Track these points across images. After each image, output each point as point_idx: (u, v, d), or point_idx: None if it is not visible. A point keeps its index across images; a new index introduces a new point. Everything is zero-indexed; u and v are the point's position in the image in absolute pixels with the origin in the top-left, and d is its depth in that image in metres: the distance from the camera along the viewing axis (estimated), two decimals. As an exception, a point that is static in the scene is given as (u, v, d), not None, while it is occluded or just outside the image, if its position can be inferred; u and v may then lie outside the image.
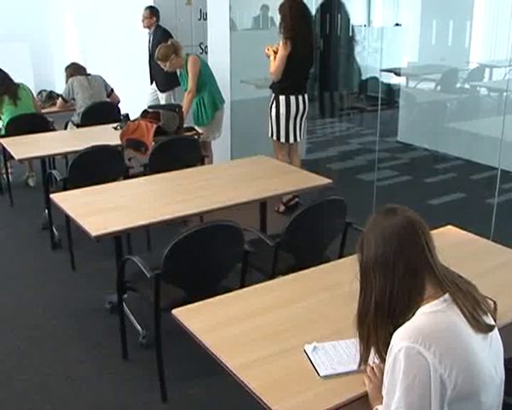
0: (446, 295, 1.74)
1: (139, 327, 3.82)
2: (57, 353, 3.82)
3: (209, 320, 2.33)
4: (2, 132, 6.10)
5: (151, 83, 7.78)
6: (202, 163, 5.05)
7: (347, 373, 2.00)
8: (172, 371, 3.37)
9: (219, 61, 6.63)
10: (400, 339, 1.68)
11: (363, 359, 1.92)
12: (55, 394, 3.43)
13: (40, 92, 7.21)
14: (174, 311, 2.35)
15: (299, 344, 2.15)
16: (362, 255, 1.83)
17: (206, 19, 7.55)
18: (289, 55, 5.35)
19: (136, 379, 3.51)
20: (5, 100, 6.20)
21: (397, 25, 8.59)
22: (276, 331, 2.26)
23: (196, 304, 2.43)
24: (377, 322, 1.81)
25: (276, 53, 5.47)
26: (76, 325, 4.12)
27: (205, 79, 6.02)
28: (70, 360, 3.73)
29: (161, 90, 7.51)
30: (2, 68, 6.38)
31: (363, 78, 9.41)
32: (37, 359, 3.76)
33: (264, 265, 3.37)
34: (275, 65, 5.40)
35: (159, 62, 6.06)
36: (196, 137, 5.51)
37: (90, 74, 6.70)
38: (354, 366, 2.00)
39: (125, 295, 3.71)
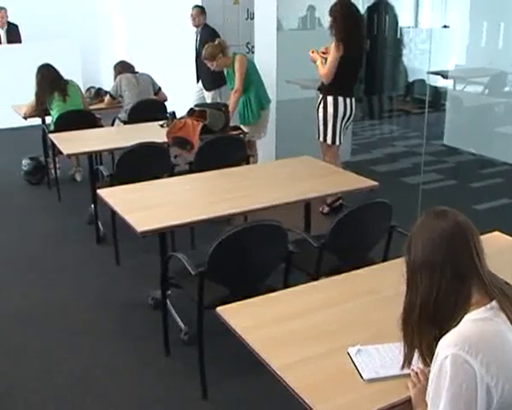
0: (493, 303, 1.71)
1: (181, 323, 3.85)
2: (99, 346, 3.87)
3: (253, 319, 2.34)
4: (52, 128, 6.21)
5: (197, 81, 7.82)
6: (247, 162, 5.05)
7: (391, 377, 1.99)
8: (213, 368, 3.37)
9: (266, 61, 6.64)
10: (447, 346, 1.66)
11: (407, 360, 1.90)
12: (96, 386, 3.48)
13: (89, 89, 7.30)
14: (218, 309, 2.36)
15: (342, 346, 2.13)
16: (409, 256, 1.80)
17: (253, 18, 7.56)
18: (341, 57, 5.32)
19: (177, 375, 3.54)
20: (55, 96, 6.30)
21: (445, 27, 8.50)
22: (320, 333, 2.25)
23: (240, 303, 2.44)
24: (421, 324, 1.78)
25: (322, 56, 5.45)
26: (119, 319, 4.18)
27: (251, 79, 6.03)
28: (112, 354, 3.78)
29: (207, 89, 7.55)
30: (53, 65, 6.50)
31: (410, 80, 9.34)
32: (78, 351, 3.82)
33: (308, 265, 3.36)
34: (327, 67, 5.36)
35: (206, 61, 6.09)
36: (242, 136, 5.52)
37: (137, 72, 6.77)
38: (397, 371, 1.98)
39: (169, 292, 3.74)
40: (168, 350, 3.71)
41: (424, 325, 1.78)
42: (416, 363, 1.90)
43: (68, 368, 3.63)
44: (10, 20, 10.12)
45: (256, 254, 3.12)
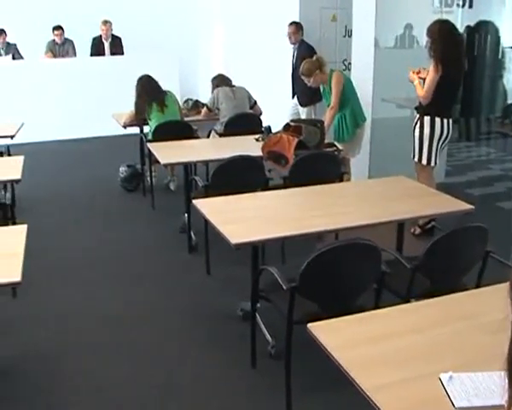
0: None
1: (269, 337, 3.87)
2: (185, 353, 3.93)
3: (343, 338, 2.33)
4: (150, 137, 6.39)
5: (292, 97, 7.88)
6: (341, 180, 5.04)
7: (484, 408, 1.94)
8: (298, 382, 3.36)
9: (362, 78, 6.61)
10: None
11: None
12: (180, 394, 3.53)
13: (186, 101, 7.46)
14: (309, 325, 2.36)
15: (433, 371, 2.09)
16: None
17: (350, 36, 7.55)
18: (439, 77, 5.24)
19: (262, 388, 3.56)
20: (153, 107, 6.49)
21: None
22: (411, 356, 2.22)
23: (331, 320, 2.43)
24: None
25: (419, 75, 5.39)
26: (207, 329, 4.23)
27: (348, 96, 6.03)
28: (197, 362, 3.83)
29: (302, 105, 7.59)
30: (153, 76, 6.69)
31: (510, 102, 9.08)
32: (164, 357, 3.90)
33: (399, 287, 3.32)
34: (425, 87, 5.29)
35: (303, 77, 6.13)
36: (336, 153, 5.51)
37: (234, 86, 6.88)
38: (492, 401, 1.93)
39: (258, 304, 3.77)
40: (255, 363, 3.73)
41: None
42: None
43: (153, 373, 3.71)
44: (114, 32, 10.50)
45: (349, 273, 3.11)
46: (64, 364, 3.84)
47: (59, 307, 4.57)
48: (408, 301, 3.16)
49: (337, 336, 2.34)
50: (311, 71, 6.01)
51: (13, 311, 4.47)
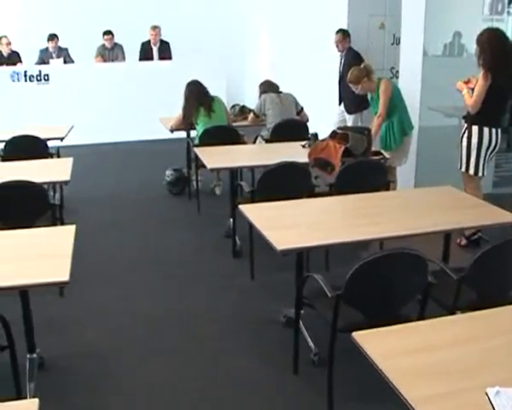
0: None
1: (312, 344, 3.87)
2: (227, 357, 3.96)
3: (388, 347, 2.32)
4: (196, 142, 6.45)
5: (339, 104, 7.86)
6: (387, 188, 5.01)
7: (531, 423, 1.92)
8: (341, 391, 3.35)
9: (409, 87, 6.56)
10: None
11: None
12: (220, 398, 3.55)
13: (233, 106, 7.50)
14: (354, 334, 2.36)
15: (479, 386, 2.06)
16: None
17: (398, 43, 7.51)
18: (489, 86, 5.18)
19: (304, 395, 3.56)
20: (201, 111, 6.54)
21: None
22: (457, 369, 2.19)
23: (376, 330, 2.42)
24: None
25: (468, 85, 5.34)
26: (249, 333, 4.25)
27: (395, 104, 5.99)
28: (239, 367, 3.85)
29: (349, 112, 7.57)
30: (201, 81, 6.75)
31: None
32: (205, 360, 3.92)
33: (445, 298, 3.29)
34: (474, 96, 5.23)
35: (350, 85, 6.11)
36: (383, 161, 5.48)
37: (281, 92, 6.90)
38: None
39: (302, 311, 3.77)
40: (297, 369, 3.74)
41: None
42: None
43: (193, 376, 3.75)
44: (162, 37, 10.63)
45: (394, 283, 3.09)
46: (108, 363, 3.90)
47: (104, 307, 4.65)
48: (453, 313, 3.13)
49: (382, 345, 2.33)
50: (358, 78, 5.99)
51: (59, 310, 4.57)
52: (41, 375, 3.72)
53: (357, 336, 2.36)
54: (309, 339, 3.90)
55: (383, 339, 2.38)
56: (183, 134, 7.21)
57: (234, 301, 4.71)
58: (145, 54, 10.64)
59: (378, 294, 3.10)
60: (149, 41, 10.61)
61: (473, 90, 5.29)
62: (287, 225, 3.71)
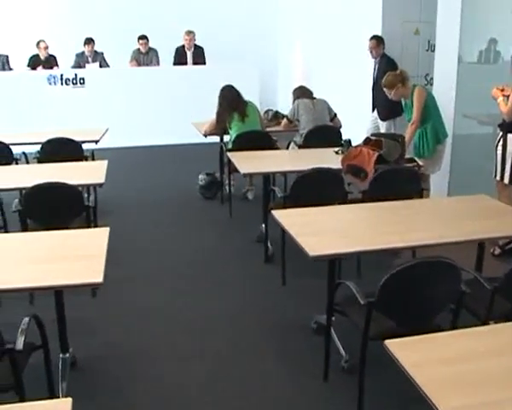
0: None
1: (343, 351, 3.86)
2: (256, 363, 3.97)
3: (420, 356, 2.31)
4: (230, 146, 6.48)
5: (372, 110, 7.84)
6: (421, 196, 4.98)
7: None
8: (370, 399, 3.34)
9: (444, 94, 6.52)
10: None
11: None
12: (249, 403, 3.56)
13: (267, 111, 7.52)
14: (387, 342, 2.35)
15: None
16: None
17: (433, 50, 7.46)
18: None
19: (334, 402, 3.54)
20: (234, 116, 6.57)
21: None
22: (491, 380, 2.17)
23: (408, 338, 2.41)
24: None
25: (503, 93, 5.28)
26: (279, 339, 4.25)
27: (429, 111, 5.95)
28: (268, 372, 3.85)
29: (382, 119, 7.54)
30: (234, 86, 6.78)
31: None
32: (235, 366, 3.93)
33: (478, 308, 3.26)
34: (509, 105, 5.18)
35: (384, 89, 6.09)
36: (416, 168, 5.45)
37: (315, 98, 6.90)
38: None
39: (333, 318, 3.77)
40: (327, 376, 3.73)
41: None
42: None
43: (223, 381, 3.75)
44: (196, 42, 10.70)
45: (427, 291, 3.07)
46: (139, 365, 3.93)
47: (135, 308, 4.69)
48: (487, 323, 3.10)
49: (414, 354, 2.31)
50: (393, 83, 5.97)
51: (91, 310, 4.63)
52: (73, 374, 3.77)
53: (390, 344, 2.36)
54: (340, 346, 3.90)
55: (416, 348, 2.37)
56: (216, 138, 7.25)
57: (264, 306, 4.72)
58: (179, 58, 10.73)
59: (411, 302, 3.08)
60: (184, 46, 10.71)
61: (508, 97, 5.24)
62: (319, 231, 3.70)
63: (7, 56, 10.49)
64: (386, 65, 7.38)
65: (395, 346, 2.35)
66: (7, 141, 6.36)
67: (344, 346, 3.89)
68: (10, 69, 10.49)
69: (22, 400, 2.72)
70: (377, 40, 7.68)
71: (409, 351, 2.33)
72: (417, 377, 2.15)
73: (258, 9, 12.36)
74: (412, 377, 2.16)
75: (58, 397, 3.37)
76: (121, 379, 3.77)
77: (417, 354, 2.32)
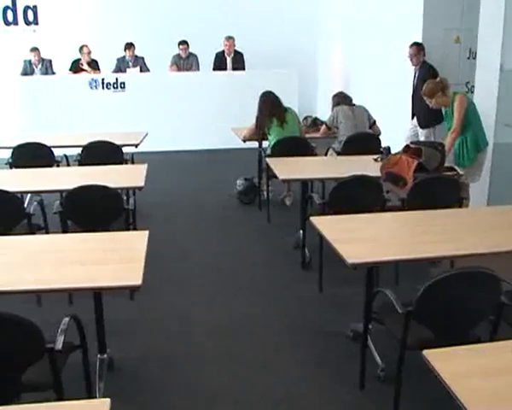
0: None
1: (379, 359, 3.83)
2: (290, 369, 3.96)
3: (459, 368, 2.28)
4: (268, 152, 6.49)
5: (412, 118, 7.78)
6: (460, 205, 4.92)
7: None
8: (407, 408, 3.33)
9: (485, 102, 6.44)
10: None
11: None
12: (281, 408, 3.55)
13: (306, 118, 7.52)
14: (425, 352, 2.33)
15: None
16: None
17: (474, 58, 7.39)
18: None
19: (369, 410, 3.54)
20: (274, 122, 6.59)
21: None
22: (530, 394, 2.15)
23: (447, 349, 2.38)
24: None
25: None
26: (314, 346, 4.24)
27: (470, 120, 5.88)
28: (304, 379, 3.84)
29: (422, 127, 7.48)
30: (274, 92, 6.79)
31: None
32: (270, 371, 3.93)
33: (518, 320, 3.23)
34: None
35: (424, 98, 6.03)
36: (456, 177, 5.39)
37: (354, 104, 6.88)
38: None
39: (370, 326, 3.75)
40: (363, 384, 3.71)
41: None
42: None
43: (257, 387, 3.76)
44: (236, 48, 10.76)
45: (466, 302, 3.04)
46: (174, 366, 3.96)
47: (173, 312, 4.73)
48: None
49: (453, 365, 2.29)
50: (433, 92, 5.91)
51: (129, 313, 4.68)
52: (109, 375, 3.82)
53: (428, 354, 2.33)
54: (376, 354, 3.87)
55: (454, 358, 2.35)
56: (254, 144, 7.26)
57: (301, 312, 4.71)
58: (219, 64, 10.79)
59: (449, 312, 3.05)
60: (223, 51, 10.76)
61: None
62: (358, 238, 3.69)
63: (50, 61, 10.68)
64: (426, 72, 7.32)
65: (434, 356, 2.32)
66: (49, 143, 6.48)
67: (380, 354, 3.86)
68: (53, 73, 10.67)
69: (61, 399, 2.76)
70: (417, 47, 7.63)
71: (448, 362, 2.31)
72: (456, 388, 2.13)
73: (299, 16, 12.35)
74: (451, 389, 2.13)
75: (95, 397, 3.42)
76: (157, 381, 3.81)
77: (456, 365, 2.30)
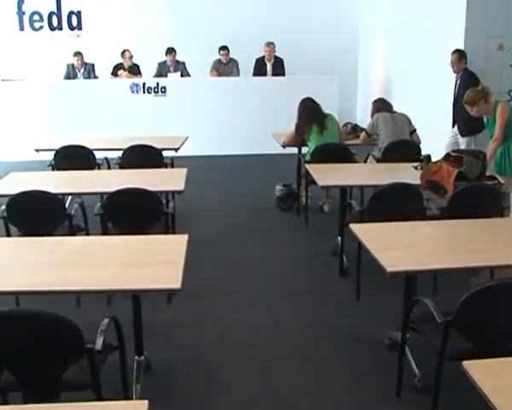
0: None
1: (416, 369, 3.79)
2: (327, 376, 3.95)
3: (501, 381, 2.23)
4: (308, 158, 6.48)
5: (453, 126, 7.70)
6: (501, 215, 4.85)
7: None
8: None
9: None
10: None
11: None
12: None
13: (345, 124, 7.49)
14: (465, 363, 2.30)
15: None
16: None
17: (518, 65, 7.31)
18: None
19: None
20: (313, 128, 6.59)
21: None
22: None
23: (488, 361, 2.34)
24: None
25: None
26: (351, 354, 4.22)
27: (512, 129, 5.82)
28: (340, 386, 3.83)
29: (463, 135, 7.40)
30: (314, 98, 6.80)
31: None
32: (305, 378, 3.93)
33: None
34: None
35: (466, 106, 5.97)
36: (497, 187, 5.32)
37: (395, 111, 6.84)
38: None
39: (407, 335, 3.72)
40: (400, 393, 3.68)
41: None
42: None
43: (293, 394, 3.75)
44: (276, 54, 10.78)
45: (507, 313, 3.00)
46: (209, 369, 3.99)
47: (210, 316, 4.75)
48: None
49: (494, 378, 2.25)
50: (475, 100, 5.84)
51: (166, 316, 4.72)
52: (146, 377, 3.85)
53: (468, 365, 2.30)
54: (413, 363, 3.83)
55: (495, 371, 2.31)
56: (294, 150, 7.28)
57: (338, 319, 4.69)
58: (259, 69, 10.82)
59: (490, 323, 3.02)
60: (264, 57, 10.80)
61: None
62: (397, 246, 3.66)
63: (93, 65, 10.82)
64: (467, 80, 7.24)
65: (473, 368, 2.29)
66: (90, 146, 6.56)
67: (417, 364, 3.82)
68: (96, 77, 10.81)
69: (99, 399, 2.80)
70: (459, 54, 7.55)
71: (488, 374, 2.27)
72: (496, 402, 2.09)
73: (339, 22, 12.34)
74: (491, 402, 2.10)
75: (132, 398, 3.45)
76: (194, 384, 3.83)
77: (496, 378, 2.26)
